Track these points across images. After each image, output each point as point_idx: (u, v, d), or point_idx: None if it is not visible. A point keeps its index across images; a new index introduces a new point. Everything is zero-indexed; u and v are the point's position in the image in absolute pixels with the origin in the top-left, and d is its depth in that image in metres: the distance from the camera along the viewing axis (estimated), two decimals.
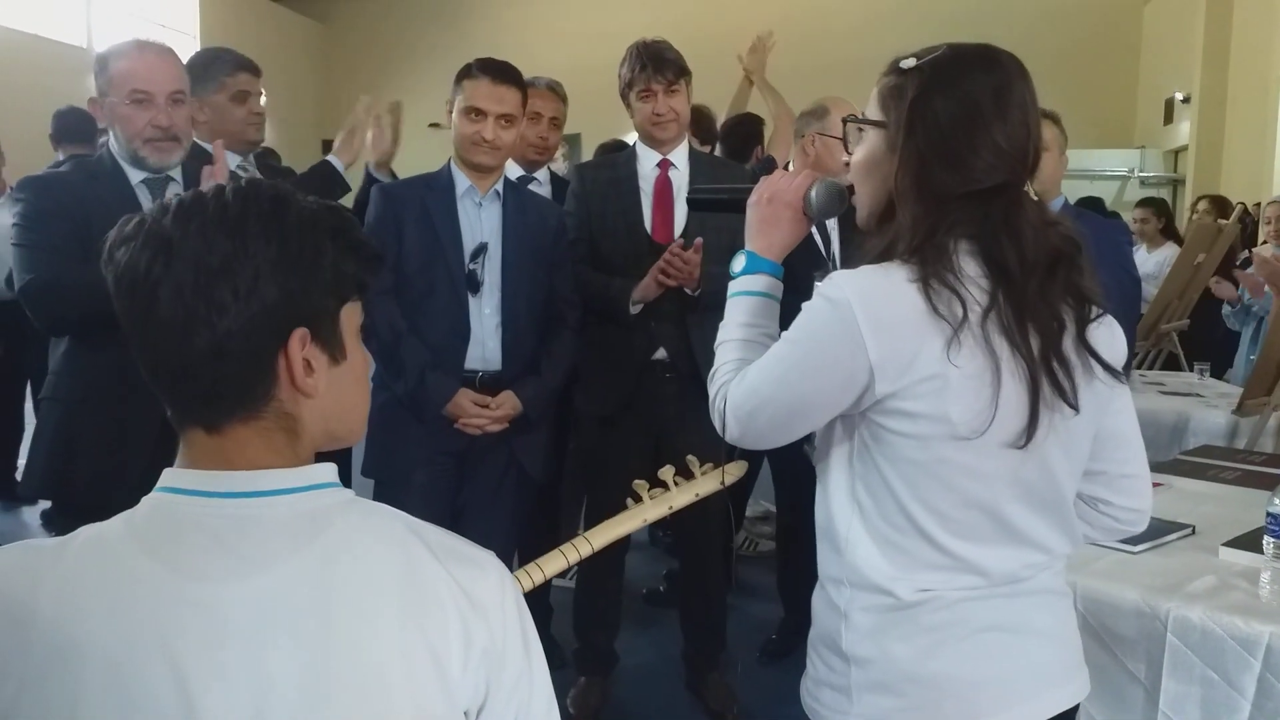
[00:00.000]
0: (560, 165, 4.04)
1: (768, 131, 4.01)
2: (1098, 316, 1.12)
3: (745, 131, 3.92)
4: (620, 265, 2.68)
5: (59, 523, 2.22)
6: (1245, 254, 5.43)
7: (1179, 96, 13.22)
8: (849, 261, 3.09)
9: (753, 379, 1.17)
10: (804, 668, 1.25)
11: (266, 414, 0.80)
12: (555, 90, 3.14)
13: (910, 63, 1.13)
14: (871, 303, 1.07)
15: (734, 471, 1.71)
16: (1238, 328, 3.89)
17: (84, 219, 1.98)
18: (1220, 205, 6.05)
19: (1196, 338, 4.67)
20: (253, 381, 0.80)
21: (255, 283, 0.77)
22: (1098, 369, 1.11)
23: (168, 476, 0.82)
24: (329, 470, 0.83)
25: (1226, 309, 3.89)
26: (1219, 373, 4.21)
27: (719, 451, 2.61)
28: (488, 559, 0.84)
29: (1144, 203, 6.10)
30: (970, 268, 1.07)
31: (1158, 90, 14.68)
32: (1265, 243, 6.17)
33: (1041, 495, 1.13)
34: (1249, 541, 1.73)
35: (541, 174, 3.23)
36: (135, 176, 2.09)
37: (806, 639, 1.24)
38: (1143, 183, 13.69)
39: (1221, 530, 1.83)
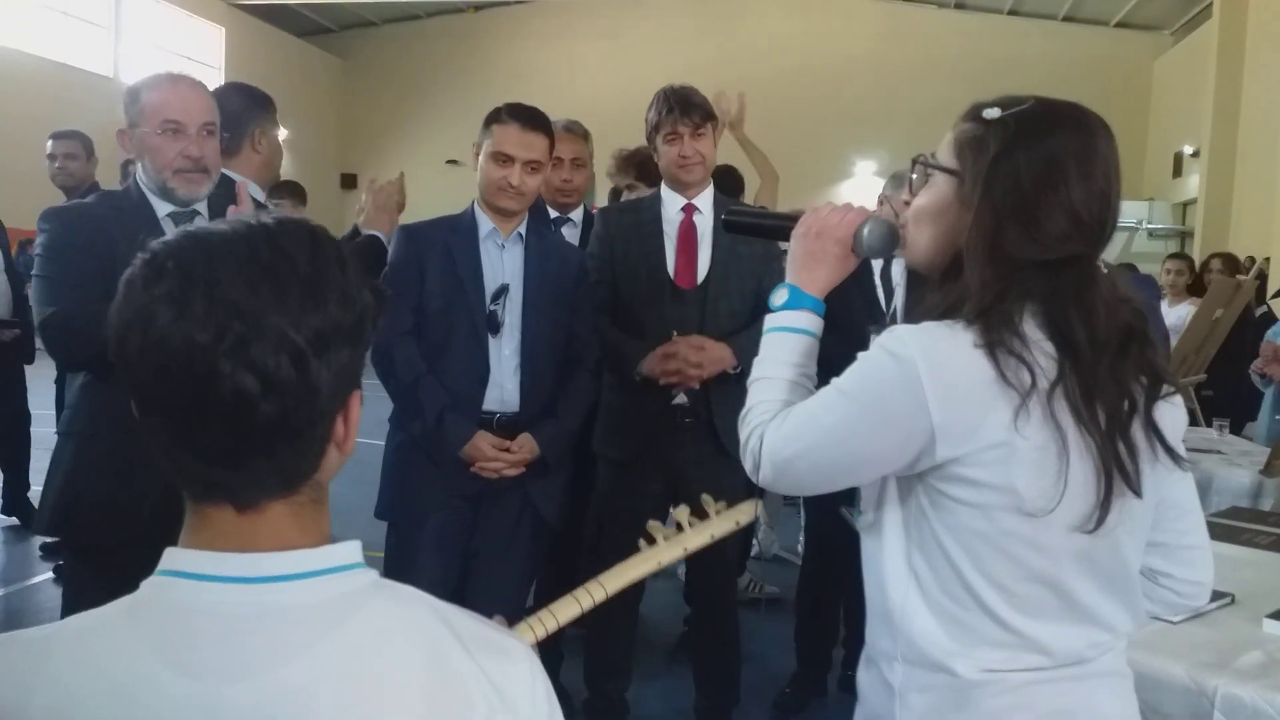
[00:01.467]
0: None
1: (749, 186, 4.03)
2: (1167, 394, 1.08)
3: (730, 184, 3.97)
4: (640, 310, 2.66)
5: (65, 559, 2.17)
6: (1264, 308, 5.42)
7: (1188, 150, 13.33)
8: (908, 318, 3.05)
9: (796, 424, 1.11)
10: None
11: (305, 488, 0.74)
12: (574, 130, 3.12)
13: (994, 113, 1.08)
14: (938, 363, 1.02)
15: (748, 511, 1.66)
16: (1263, 388, 3.85)
17: (109, 254, 1.96)
18: (1231, 263, 6.06)
19: (1216, 394, 4.63)
20: (312, 455, 0.73)
21: (335, 348, 0.70)
22: (1160, 451, 1.07)
23: (172, 558, 0.72)
24: (353, 550, 0.75)
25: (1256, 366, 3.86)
26: (1237, 429, 4.15)
27: (737, 498, 2.58)
28: (517, 648, 0.79)
29: (1176, 256, 6.06)
30: (1035, 333, 1.03)
31: (1167, 144, 14.81)
32: (1278, 296, 6.16)
33: (1109, 572, 1.08)
34: None
35: (576, 214, 3.19)
36: (162, 210, 2.07)
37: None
38: (1150, 234, 13.77)
39: (1261, 599, 1.78)
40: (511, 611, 1.24)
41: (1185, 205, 13.74)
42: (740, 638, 2.88)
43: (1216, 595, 1.78)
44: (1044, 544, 1.04)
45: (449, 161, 16.39)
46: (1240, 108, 11.90)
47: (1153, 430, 1.06)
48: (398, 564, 2.35)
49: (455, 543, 2.39)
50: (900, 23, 16.50)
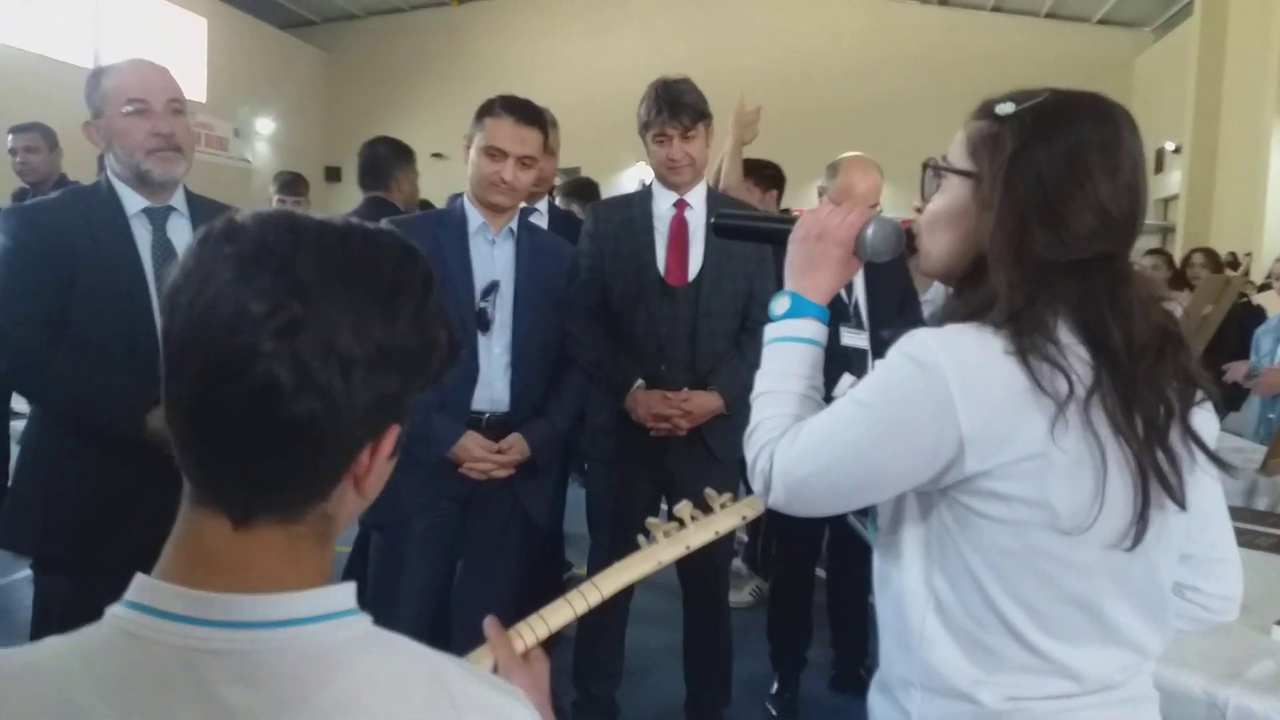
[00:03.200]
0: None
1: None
2: (1201, 400, 1.03)
3: (774, 179, 3.89)
4: (630, 307, 2.61)
5: (36, 576, 2.07)
6: (1244, 299, 5.46)
7: (1170, 146, 13.37)
8: (878, 314, 2.93)
9: (810, 440, 1.05)
10: None
11: (309, 516, 0.67)
12: None
13: (1008, 108, 1.02)
14: (968, 369, 0.96)
15: (755, 506, 1.60)
16: (1247, 385, 3.85)
17: (69, 263, 1.89)
18: (1213, 258, 6.07)
19: None
20: (324, 478, 0.66)
21: (388, 370, 0.65)
22: (1200, 458, 1.02)
23: (143, 589, 0.63)
24: (347, 593, 0.67)
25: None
26: (1220, 420, 4.15)
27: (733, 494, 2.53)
28: (516, 709, 0.71)
29: (1153, 251, 6.08)
30: (1069, 338, 0.98)
31: (1148, 140, 14.64)
32: (1264, 289, 6.20)
33: (1143, 592, 1.03)
34: None
35: (542, 204, 3.16)
36: (133, 206, 1.99)
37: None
38: None
39: (1267, 605, 1.74)
40: (500, 615, 1.18)
41: (1167, 201, 13.79)
42: (732, 636, 2.85)
43: None
44: (1078, 562, 0.98)
45: (434, 155, 16.25)
46: (1221, 104, 11.95)
47: (1191, 437, 1.01)
48: (384, 569, 2.29)
49: (443, 546, 2.34)
50: (883, 18, 16.47)
